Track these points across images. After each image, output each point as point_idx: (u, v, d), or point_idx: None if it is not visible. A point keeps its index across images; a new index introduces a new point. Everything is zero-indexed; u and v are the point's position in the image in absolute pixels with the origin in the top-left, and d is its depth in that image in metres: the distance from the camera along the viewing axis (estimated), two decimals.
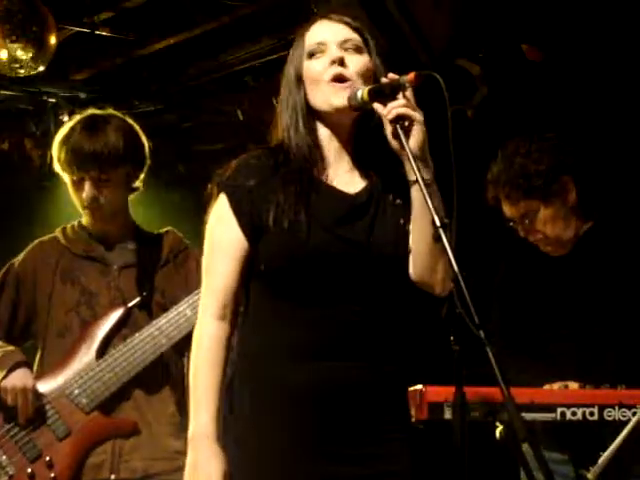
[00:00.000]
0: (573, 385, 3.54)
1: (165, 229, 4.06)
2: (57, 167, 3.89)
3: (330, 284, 2.72)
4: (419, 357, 2.92)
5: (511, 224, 3.93)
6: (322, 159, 2.83)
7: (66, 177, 3.87)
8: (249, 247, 2.78)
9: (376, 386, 2.75)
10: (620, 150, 5.01)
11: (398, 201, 2.81)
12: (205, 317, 2.79)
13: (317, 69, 2.80)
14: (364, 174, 2.84)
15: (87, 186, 3.82)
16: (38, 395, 3.75)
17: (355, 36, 2.83)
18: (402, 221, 2.78)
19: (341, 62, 2.78)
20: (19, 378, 3.72)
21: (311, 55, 2.82)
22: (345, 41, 2.81)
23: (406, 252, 2.78)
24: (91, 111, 4.02)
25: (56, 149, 3.89)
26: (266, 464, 2.71)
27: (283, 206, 2.73)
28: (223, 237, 2.80)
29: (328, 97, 2.78)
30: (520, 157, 3.87)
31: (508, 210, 3.91)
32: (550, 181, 3.83)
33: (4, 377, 3.72)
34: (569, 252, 3.91)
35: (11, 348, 3.81)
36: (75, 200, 3.89)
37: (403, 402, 2.87)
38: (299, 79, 2.83)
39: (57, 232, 4.00)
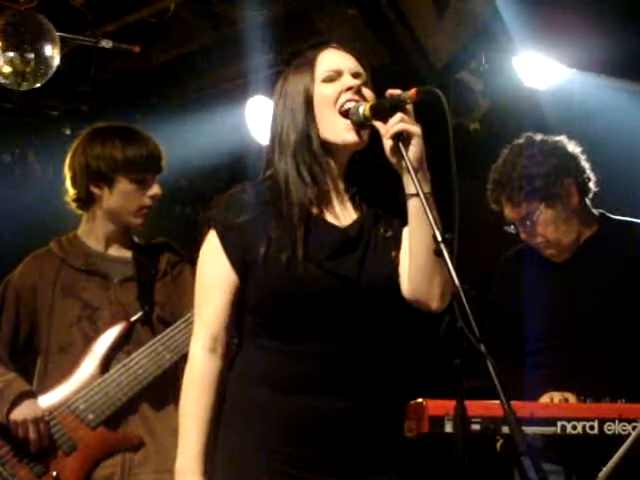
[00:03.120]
0: (572, 399, 3.54)
1: (160, 240, 4.06)
2: (102, 172, 3.86)
3: (321, 319, 2.73)
4: (419, 371, 2.93)
5: (512, 227, 3.93)
6: (316, 192, 2.81)
7: (121, 180, 3.86)
8: (239, 282, 2.80)
9: (366, 419, 2.76)
10: (622, 158, 5.02)
11: (389, 233, 2.81)
12: (195, 349, 2.81)
13: (331, 94, 2.79)
14: (356, 205, 2.85)
15: (155, 185, 3.91)
16: (47, 420, 3.74)
17: (364, 72, 2.85)
18: (394, 254, 2.79)
19: (358, 90, 2.79)
20: (28, 410, 3.71)
21: (324, 81, 2.82)
22: (358, 74, 2.83)
23: (398, 285, 2.77)
24: (103, 124, 4.04)
25: (102, 156, 3.86)
26: None
27: (274, 242, 2.74)
28: (213, 272, 2.82)
29: (340, 131, 2.78)
30: (523, 159, 3.87)
31: (509, 212, 3.90)
32: (552, 183, 3.83)
33: (9, 410, 3.70)
34: (570, 258, 3.90)
35: (11, 376, 3.79)
36: (129, 204, 3.89)
37: (396, 430, 2.88)
38: (308, 109, 2.81)
39: (52, 244, 3.99)
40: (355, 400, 2.74)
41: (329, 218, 2.82)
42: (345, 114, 2.78)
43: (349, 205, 2.86)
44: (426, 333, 3.14)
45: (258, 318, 2.79)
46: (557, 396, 3.56)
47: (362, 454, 2.75)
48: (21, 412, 3.70)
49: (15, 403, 3.71)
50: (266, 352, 2.77)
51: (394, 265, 2.79)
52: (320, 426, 2.72)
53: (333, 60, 2.85)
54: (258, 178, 2.89)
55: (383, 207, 2.85)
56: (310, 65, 2.85)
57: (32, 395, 3.76)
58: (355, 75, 2.83)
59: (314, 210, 2.81)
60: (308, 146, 2.80)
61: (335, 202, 2.85)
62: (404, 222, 2.77)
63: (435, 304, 2.76)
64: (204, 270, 2.85)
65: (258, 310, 2.78)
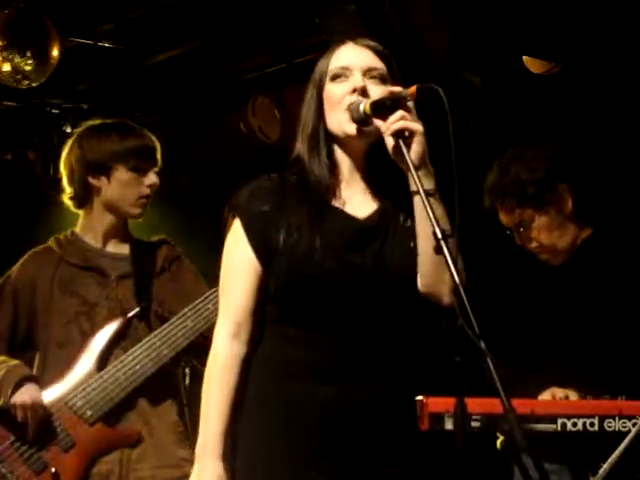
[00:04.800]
0: (573, 395, 3.55)
1: (158, 237, 4.07)
2: (100, 163, 3.88)
3: (339, 309, 2.75)
4: (422, 377, 2.94)
5: (508, 232, 3.94)
6: (336, 182, 2.84)
7: (119, 169, 3.88)
8: (262, 270, 2.82)
9: (382, 408, 2.77)
10: (619, 159, 5.02)
11: (409, 223, 2.81)
12: (220, 336, 2.83)
13: (337, 94, 2.80)
14: (376, 196, 2.86)
15: (153, 174, 3.92)
16: (46, 410, 3.74)
17: (381, 65, 2.83)
18: (412, 243, 2.79)
19: (363, 92, 2.78)
20: (29, 394, 3.71)
21: (334, 78, 2.82)
22: (370, 69, 2.82)
23: (415, 273, 2.79)
24: (98, 121, 4.05)
25: (99, 149, 3.89)
26: None
27: (294, 230, 2.76)
28: (237, 259, 2.84)
29: (341, 123, 2.79)
30: (515, 165, 3.88)
31: (504, 218, 3.92)
32: (545, 189, 3.84)
33: (12, 392, 3.70)
34: (566, 261, 3.91)
35: (15, 362, 3.80)
36: (127, 193, 3.90)
37: (411, 421, 2.89)
38: (319, 102, 2.84)
39: (50, 242, 4.00)
40: (375, 389, 2.76)
41: (348, 209, 2.84)
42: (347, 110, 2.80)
43: (369, 196, 2.87)
44: (427, 329, 3.14)
45: (278, 306, 2.81)
46: (559, 392, 3.57)
47: (384, 442, 2.77)
48: (22, 395, 3.70)
49: (18, 386, 3.71)
50: (286, 341, 2.79)
51: (411, 254, 2.79)
52: (342, 415, 2.73)
53: (344, 57, 2.85)
54: (287, 165, 2.91)
55: (402, 199, 2.84)
56: (328, 58, 2.87)
57: (34, 380, 3.77)
58: (366, 71, 2.81)
59: (335, 200, 2.83)
60: (318, 139, 2.84)
61: (354, 194, 2.86)
62: None
63: (446, 299, 2.77)
64: (229, 258, 2.87)
65: (277, 298, 2.81)
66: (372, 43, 2.88)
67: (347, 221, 2.82)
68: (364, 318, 2.76)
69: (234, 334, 2.81)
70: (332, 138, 2.84)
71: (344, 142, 2.84)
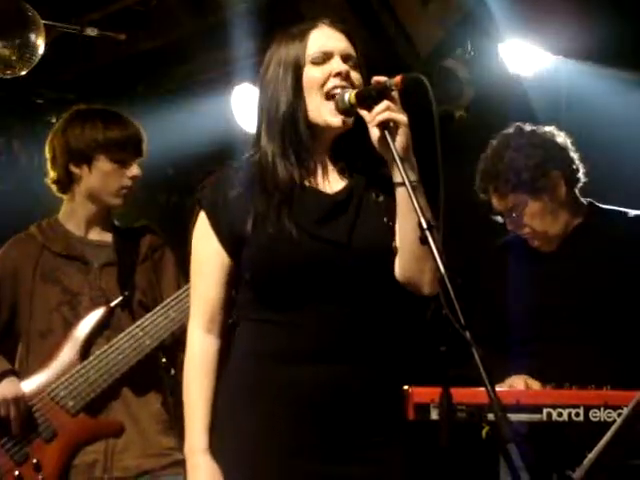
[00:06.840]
0: (535, 384, 3.55)
1: (141, 223, 4.06)
2: (82, 151, 3.86)
3: (314, 285, 2.73)
4: (405, 358, 2.93)
5: (499, 217, 3.94)
6: (302, 171, 2.82)
7: (101, 159, 3.86)
8: (231, 261, 2.82)
9: (367, 387, 2.76)
10: (607, 145, 5.03)
11: (381, 199, 2.82)
12: (194, 332, 2.84)
13: (318, 77, 2.78)
14: (344, 174, 2.85)
15: (135, 166, 3.89)
16: (27, 402, 3.73)
17: (354, 53, 2.83)
18: (386, 219, 2.79)
19: (347, 76, 2.77)
20: (9, 388, 3.70)
21: (313, 62, 2.80)
22: (349, 56, 2.81)
23: (390, 250, 2.78)
24: (84, 106, 4.04)
25: (82, 136, 3.87)
26: (260, 468, 2.73)
27: (263, 212, 2.75)
28: (206, 253, 2.84)
29: (324, 114, 2.78)
30: (510, 151, 3.88)
31: (497, 203, 3.92)
32: (539, 175, 3.84)
33: None
34: (557, 248, 3.92)
35: None
36: (108, 184, 3.88)
37: (397, 402, 2.89)
38: (298, 87, 2.80)
39: (32, 228, 3.98)
40: (356, 366, 2.74)
41: (317, 185, 2.83)
42: (331, 98, 2.78)
43: (337, 176, 2.86)
44: (411, 320, 3.14)
45: (253, 292, 2.80)
46: (520, 384, 3.57)
47: (367, 423, 2.76)
48: (2, 391, 3.69)
49: None
50: (263, 325, 2.78)
51: (386, 229, 2.79)
52: (325, 394, 2.72)
53: (324, 41, 2.82)
54: (245, 155, 2.89)
55: (371, 176, 2.85)
56: (302, 41, 2.83)
57: (13, 374, 3.76)
58: (345, 57, 2.81)
59: (302, 179, 2.82)
60: (295, 126, 2.80)
61: (322, 175, 2.85)
62: (393, 192, 2.76)
63: (427, 289, 2.78)
64: (197, 252, 2.87)
65: (253, 283, 2.79)
66: (344, 26, 2.87)
67: (316, 196, 2.81)
68: (340, 292, 2.74)
69: (208, 329, 2.83)
70: (310, 125, 2.81)
71: (320, 130, 2.82)
